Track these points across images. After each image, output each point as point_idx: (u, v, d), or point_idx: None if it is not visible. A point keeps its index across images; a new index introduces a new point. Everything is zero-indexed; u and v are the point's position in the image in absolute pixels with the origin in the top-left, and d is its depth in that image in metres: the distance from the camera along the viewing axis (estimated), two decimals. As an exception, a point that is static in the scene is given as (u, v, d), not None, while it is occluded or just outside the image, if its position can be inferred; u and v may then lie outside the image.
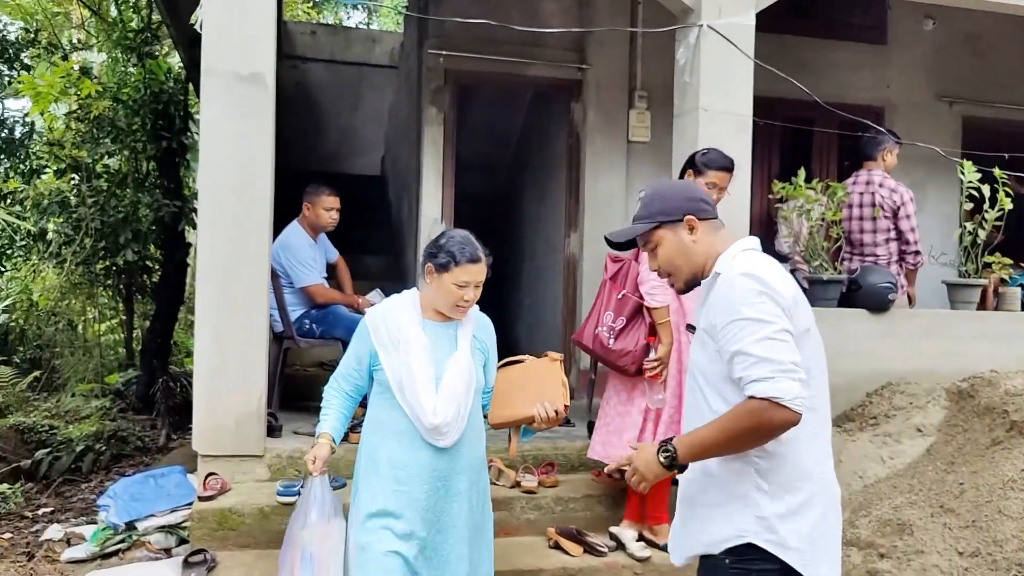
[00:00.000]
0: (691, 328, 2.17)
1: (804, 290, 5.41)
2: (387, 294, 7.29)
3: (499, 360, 3.08)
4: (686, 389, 2.16)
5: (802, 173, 4.87)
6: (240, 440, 4.05)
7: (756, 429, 1.86)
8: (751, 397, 1.85)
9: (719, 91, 4.63)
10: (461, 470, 2.82)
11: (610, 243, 2.23)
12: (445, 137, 6.20)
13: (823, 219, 4.90)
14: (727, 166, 4.02)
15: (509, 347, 8.49)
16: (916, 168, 6.76)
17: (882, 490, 3.80)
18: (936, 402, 4.29)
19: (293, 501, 3.78)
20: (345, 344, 4.83)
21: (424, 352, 2.78)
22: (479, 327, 3.00)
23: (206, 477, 3.94)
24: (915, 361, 4.82)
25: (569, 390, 2.96)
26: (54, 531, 4.59)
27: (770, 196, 5.41)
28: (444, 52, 6.02)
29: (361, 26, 13.46)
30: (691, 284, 2.09)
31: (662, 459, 1.96)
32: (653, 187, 2.18)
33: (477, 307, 2.97)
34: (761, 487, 1.96)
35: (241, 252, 4.04)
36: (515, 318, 8.18)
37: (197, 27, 4.10)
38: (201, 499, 3.80)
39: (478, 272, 2.82)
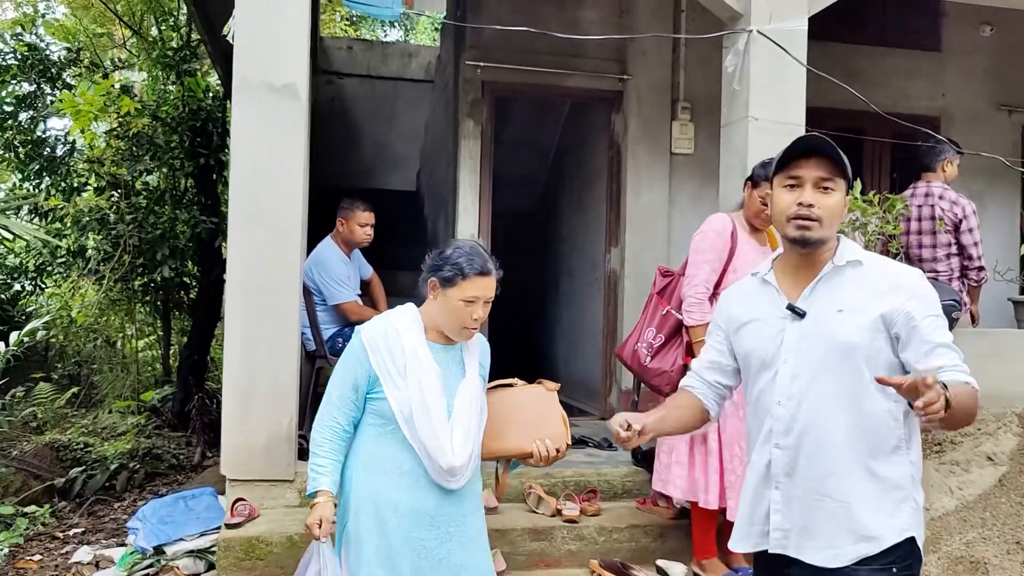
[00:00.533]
0: (794, 310, 2.01)
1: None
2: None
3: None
4: (819, 370, 1.97)
5: (857, 184, 4.62)
6: (270, 464, 3.90)
7: (972, 414, 1.87)
8: (970, 385, 1.86)
9: (770, 99, 4.42)
10: (470, 512, 2.56)
11: (808, 146, 2.02)
12: (482, 151, 6.06)
13: (881, 233, 4.64)
14: None
15: (549, 365, 8.36)
16: (975, 180, 6.46)
17: (952, 524, 3.53)
18: (1007, 428, 4.01)
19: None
20: (379, 363, 4.68)
21: (438, 381, 2.47)
22: (484, 351, 2.71)
23: (234, 503, 3.79)
24: (981, 384, 4.50)
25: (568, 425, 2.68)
26: (83, 553, 4.49)
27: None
28: (481, 63, 5.89)
29: (398, 41, 13.44)
30: (819, 244, 1.99)
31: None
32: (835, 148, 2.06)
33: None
34: (915, 478, 1.99)
35: (272, 268, 3.91)
36: (554, 336, 7.99)
37: (229, 38, 3.99)
38: (228, 527, 3.66)
39: (488, 286, 2.48)
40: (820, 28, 4.68)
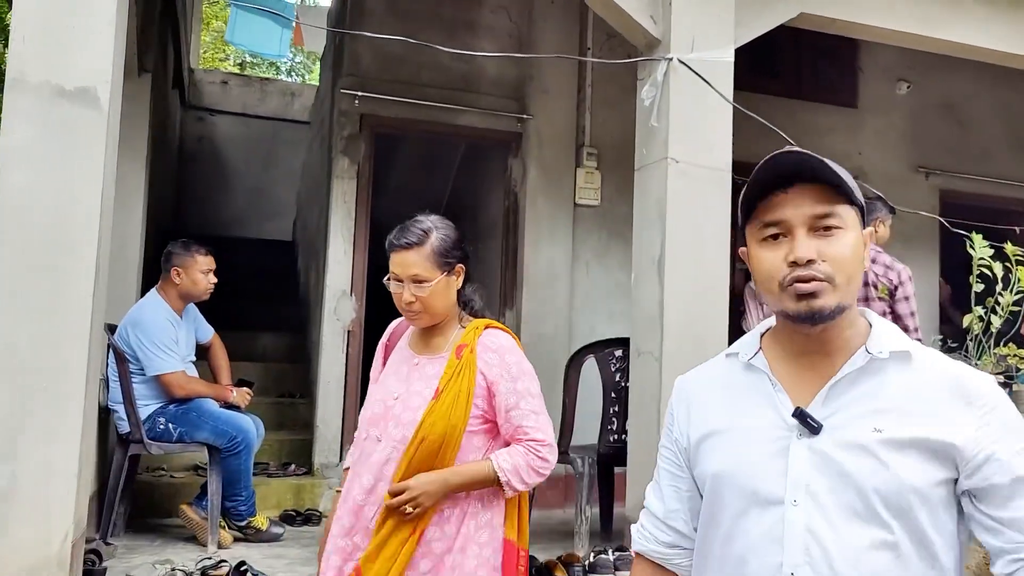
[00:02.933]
0: (806, 420, 1.22)
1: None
2: (282, 381, 6.21)
3: None
4: (824, 517, 1.19)
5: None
6: (32, 598, 2.84)
7: None
8: None
9: (692, 138, 3.76)
10: None
11: (784, 171, 1.25)
12: (358, 193, 5.21)
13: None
14: None
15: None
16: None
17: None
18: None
19: None
20: (211, 450, 3.71)
21: None
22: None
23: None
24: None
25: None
26: None
27: (740, 268, 4.55)
28: (359, 93, 5.07)
29: (279, 79, 12.50)
30: (837, 313, 1.21)
31: None
32: (844, 170, 1.27)
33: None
34: None
35: (51, 326, 2.91)
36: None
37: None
38: None
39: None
40: (738, 76, 4.10)
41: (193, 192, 8.76)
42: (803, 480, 1.20)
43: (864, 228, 1.26)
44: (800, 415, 1.21)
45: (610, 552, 3.60)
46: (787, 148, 1.28)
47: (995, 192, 6.63)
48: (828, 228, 1.22)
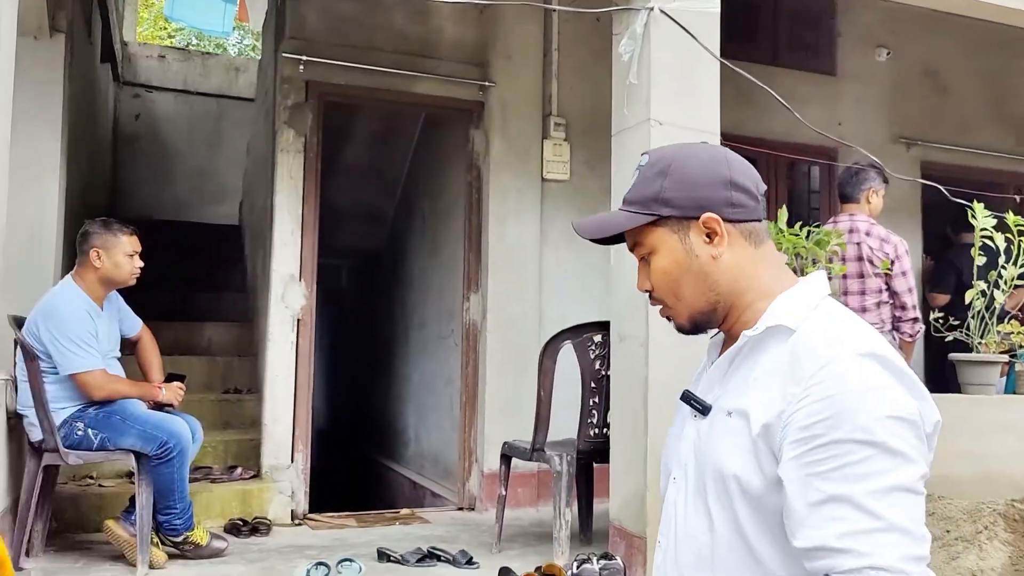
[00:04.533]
0: (694, 403, 1.23)
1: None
2: (229, 375, 5.72)
3: None
4: (684, 497, 1.21)
5: (783, 214, 3.64)
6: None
7: None
8: None
9: (676, 98, 3.39)
10: None
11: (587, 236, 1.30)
12: (306, 169, 4.73)
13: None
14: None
15: (396, 435, 7.03)
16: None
17: None
18: (992, 533, 3.03)
19: None
20: (139, 457, 3.25)
21: None
22: None
23: None
24: (944, 468, 3.60)
25: None
26: None
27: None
28: (304, 57, 4.59)
29: (221, 53, 11.81)
30: (702, 325, 1.24)
31: None
32: (658, 154, 1.24)
33: None
34: None
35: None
36: (403, 399, 6.66)
37: None
38: None
39: None
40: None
41: (131, 174, 8.17)
42: (684, 459, 1.22)
43: (699, 219, 1.17)
44: (685, 397, 1.24)
45: (595, 560, 3.22)
46: (574, 224, 1.28)
47: (977, 163, 6.36)
48: (644, 257, 1.23)
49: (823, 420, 1.01)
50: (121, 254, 3.51)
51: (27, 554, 3.51)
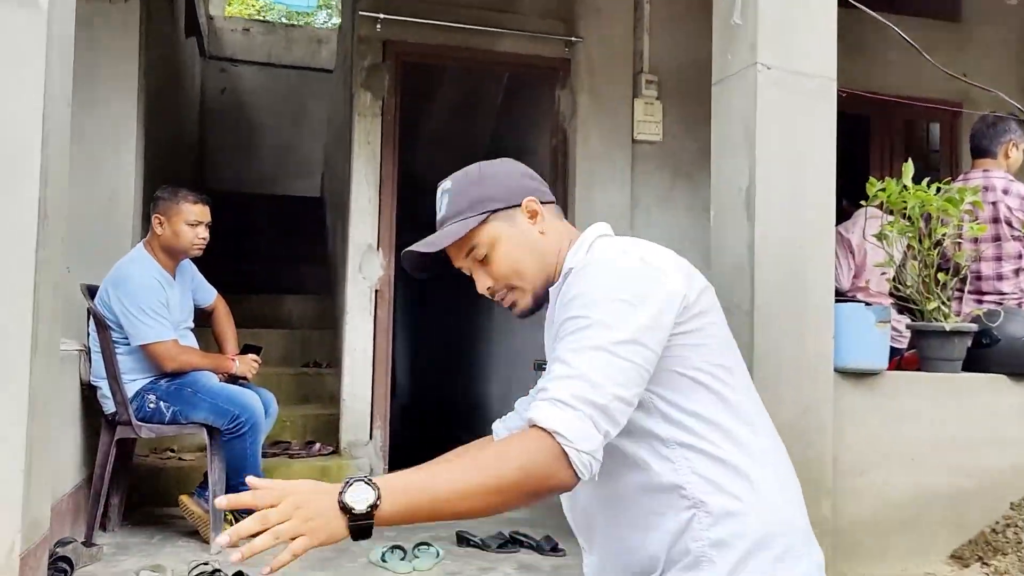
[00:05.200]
0: (541, 366, 1.47)
1: (903, 348, 3.79)
2: (308, 348, 5.61)
3: None
4: None
5: (909, 168, 3.22)
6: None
7: (522, 481, 1.11)
8: (532, 425, 1.14)
9: (787, 40, 2.99)
10: None
11: (415, 264, 1.43)
12: (384, 133, 4.53)
13: (939, 240, 3.23)
14: None
15: (481, 410, 6.84)
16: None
17: None
18: None
19: None
20: (211, 431, 3.11)
21: None
22: None
23: None
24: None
25: None
26: None
27: (845, 205, 3.79)
28: (381, 15, 4.38)
29: (305, 24, 11.73)
30: (541, 298, 1.42)
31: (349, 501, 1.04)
32: (463, 172, 1.43)
33: None
34: None
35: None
36: (486, 375, 6.45)
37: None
38: None
39: None
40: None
41: (218, 148, 8.19)
42: None
43: (521, 205, 1.39)
44: (537, 366, 1.73)
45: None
46: (405, 252, 1.40)
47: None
48: (482, 259, 1.38)
49: (561, 314, 1.24)
50: (182, 222, 3.36)
51: (103, 528, 3.45)
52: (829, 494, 2.91)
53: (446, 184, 1.42)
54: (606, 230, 1.43)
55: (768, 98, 2.95)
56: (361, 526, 1.03)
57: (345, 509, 1.03)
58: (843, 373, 3.04)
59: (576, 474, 1.11)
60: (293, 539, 1.03)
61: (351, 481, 1.05)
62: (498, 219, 1.37)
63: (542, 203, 1.41)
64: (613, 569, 1.35)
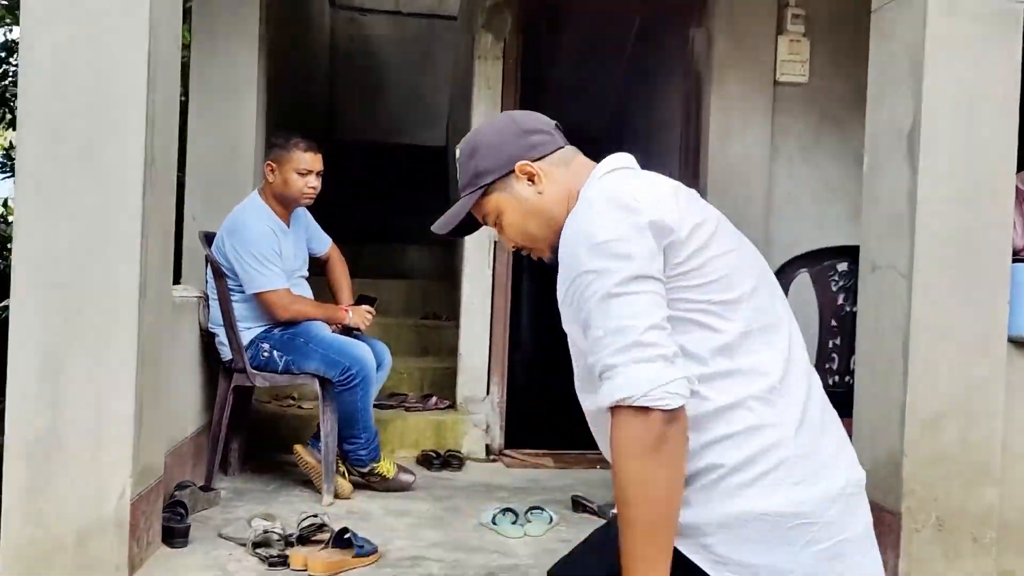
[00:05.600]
0: None
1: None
2: (428, 300, 5.54)
3: None
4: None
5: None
6: (83, 567, 2.30)
7: (646, 463, 1.13)
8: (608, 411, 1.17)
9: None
10: None
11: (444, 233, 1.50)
12: (505, 77, 4.32)
13: None
14: None
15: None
16: None
17: None
18: None
19: None
20: (323, 382, 3.06)
21: None
22: None
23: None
24: None
25: None
26: None
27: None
28: (503, -50, 4.14)
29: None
30: (556, 250, 1.36)
31: None
32: (464, 141, 1.46)
33: None
34: None
35: (91, 231, 2.30)
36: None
37: None
38: None
39: None
40: None
41: (347, 97, 8.22)
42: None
43: (515, 171, 1.38)
44: None
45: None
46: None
47: None
48: (495, 225, 1.44)
49: (563, 265, 1.26)
50: (292, 170, 3.28)
51: (224, 472, 3.50)
52: (996, 482, 2.56)
53: (456, 153, 1.46)
54: (616, 164, 1.39)
55: (938, 27, 2.55)
56: None
57: None
58: (1018, 344, 2.64)
59: (665, 409, 1.10)
60: None
61: None
62: (496, 190, 1.40)
63: (540, 158, 1.39)
64: None
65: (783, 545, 1.16)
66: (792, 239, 4.08)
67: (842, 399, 3.00)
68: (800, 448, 1.19)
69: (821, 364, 3.06)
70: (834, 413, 1.31)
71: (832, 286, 3.03)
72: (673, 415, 1.11)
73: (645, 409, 1.10)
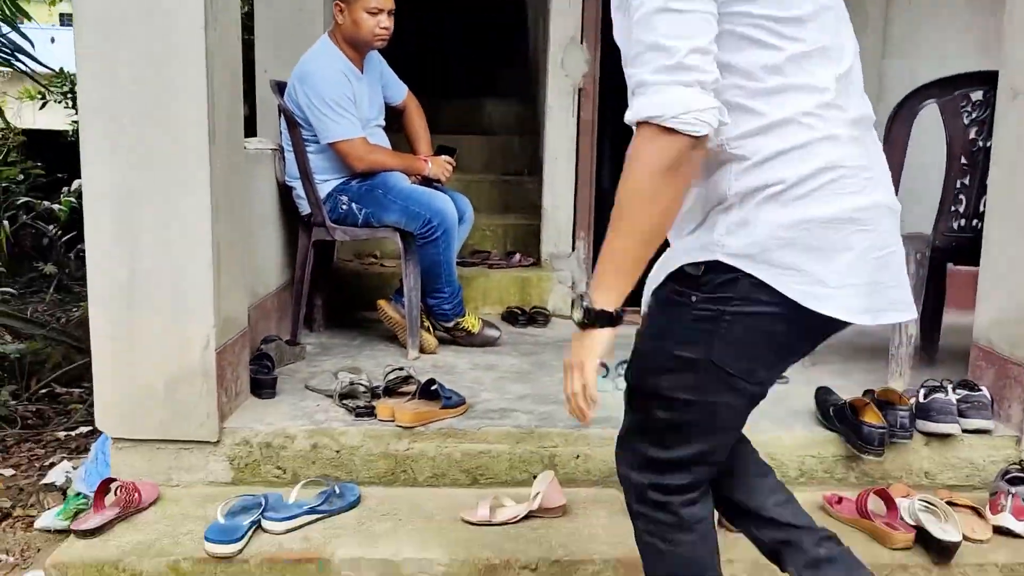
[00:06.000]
0: None
1: None
2: (508, 155, 5.31)
3: None
4: None
5: None
6: (176, 414, 2.31)
7: (659, 181, 1.16)
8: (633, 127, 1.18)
9: None
10: None
11: None
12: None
13: None
14: None
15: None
16: None
17: None
18: None
19: (234, 552, 2.00)
20: (404, 236, 2.95)
21: None
22: None
23: (103, 487, 2.23)
24: None
25: None
26: (57, 473, 3.17)
27: None
28: None
29: None
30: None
31: (576, 317, 1.31)
32: None
33: None
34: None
35: (155, 73, 2.17)
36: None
37: None
38: (78, 534, 2.11)
39: None
40: None
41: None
42: None
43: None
44: None
45: (950, 389, 2.45)
46: None
47: None
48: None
49: None
50: (362, 10, 3.04)
51: (309, 328, 3.49)
52: None
53: None
54: None
55: None
56: (595, 325, 1.29)
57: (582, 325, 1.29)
58: None
59: (690, 134, 1.12)
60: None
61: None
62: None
63: None
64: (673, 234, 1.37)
65: (844, 251, 1.21)
66: (907, 75, 3.64)
67: (967, 243, 2.73)
68: (855, 160, 1.23)
69: (946, 206, 2.76)
70: (879, 145, 1.34)
71: (964, 118, 2.68)
72: (698, 141, 1.14)
73: (672, 130, 1.12)
